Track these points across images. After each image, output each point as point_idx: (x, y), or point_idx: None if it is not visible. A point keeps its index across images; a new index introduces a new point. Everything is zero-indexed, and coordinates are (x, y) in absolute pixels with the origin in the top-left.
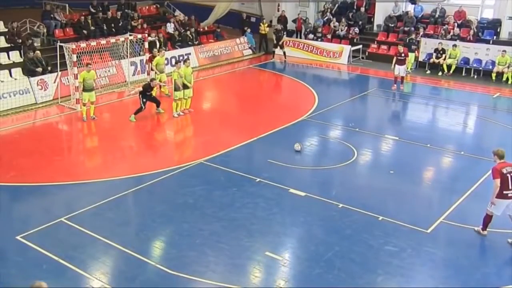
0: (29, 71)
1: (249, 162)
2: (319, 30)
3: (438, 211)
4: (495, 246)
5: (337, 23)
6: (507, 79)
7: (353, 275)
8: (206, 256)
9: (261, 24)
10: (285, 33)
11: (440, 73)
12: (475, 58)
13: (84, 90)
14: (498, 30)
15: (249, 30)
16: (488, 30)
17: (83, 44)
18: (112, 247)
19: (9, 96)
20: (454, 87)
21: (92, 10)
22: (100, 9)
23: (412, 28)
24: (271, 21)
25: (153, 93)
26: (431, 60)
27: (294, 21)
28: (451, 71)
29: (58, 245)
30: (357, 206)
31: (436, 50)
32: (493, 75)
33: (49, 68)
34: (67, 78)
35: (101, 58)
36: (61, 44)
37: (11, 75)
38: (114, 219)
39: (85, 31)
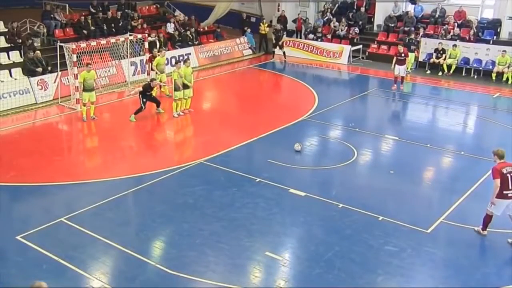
0: (29, 71)
1: (249, 162)
2: (319, 30)
3: (438, 211)
4: (495, 246)
5: (337, 23)
6: (507, 79)
7: (353, 275)
8: (206, 256)
9: (261, 24)
10: (285, 33)
11: (440, 73)
12: (475, 58)
13: (84, 90)
14: (498, 30)
15: (249, 30)
16: (488, 30)
17: (83, 44)
18: (112, 247)
19: (9, 96)
20: (454, 87)
21: (92, 10)
22: (100, 9)
23: (412, 28)
24: (271, 21)
25: (153, 93)
26: (431, 60)
27: (294, 21)
28: (451, 71)
29: (58, 245)
30: (357, 206)
31: (436, 50)
32: (493, 75)
33: (49, 68)
34: (67, 78)
35: (101, 58)
36: (61, 44)
37: (11, 75)
38: (114, 219)
39: (85, 31)
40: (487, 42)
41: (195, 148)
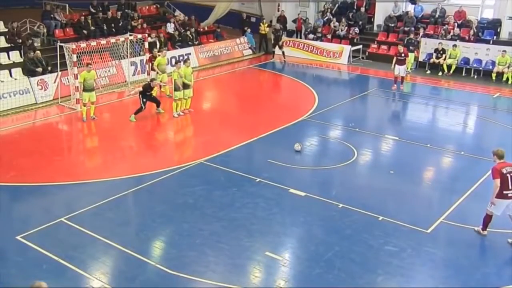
0: (29, 71)
1: (249, 162)
2: (319, 30)
3: (438, 211)
4: (495, 246)
5: (337, 23)
6: (507, 79)
7: (353, 275)
8: (206, 256)
9: (261, 24)
10: (284, 33)
11: (440, 73)
12: (475, 58)
13: (85, 90)
14: (498, 30)
15: (249, 30)
16: (488, 30)
17: (83, 44)
18: (112, 247)
19: (9, 96)
20: (454, 87)
21: (92, 10)
22: (100, 9)
23: (412, 28)
24: (271, 21)
25: (154, 93)
26: (431, 60)
27: (294, 21)
28: (451, 71)
29: (58, 245)
30: (357, 206)
31: (436, 50)
32: (493, 75)
33: (49, 68)
34: (67, 78)
35: (101, 58)
36: (61, 44)
37: (11, 75)
38: (114, 219)
39: (85, 31)
40: (487, 42)
41: (195, 148)
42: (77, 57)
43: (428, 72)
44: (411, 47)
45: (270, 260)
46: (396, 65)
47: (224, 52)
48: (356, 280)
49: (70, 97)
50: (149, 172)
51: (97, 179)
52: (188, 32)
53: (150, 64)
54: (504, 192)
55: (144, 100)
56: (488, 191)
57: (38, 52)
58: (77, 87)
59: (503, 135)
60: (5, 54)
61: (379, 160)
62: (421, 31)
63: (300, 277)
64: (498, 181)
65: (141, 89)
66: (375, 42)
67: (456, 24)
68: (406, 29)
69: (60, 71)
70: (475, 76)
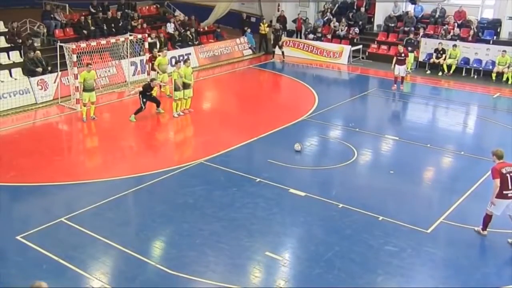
0: (29, 71)
1: (249, 162)
2: (319, 30)
3: (438, 211)
4: (495, 246)
5: (337, 23)
6: (507, 79)
7: (353, 275)
8: (206, 256)
9: (261, 24)
10: (284, 33)
11: (440, 73)
12: (475, 58)
13: (85, 90)
14: (498, 30)
15: (249, 30)
16: (488, 30)
17: (83, 44)
18: (112, 247)
19: (9, 96)
20: (454, 87)
21: (92, 10)
22: (100, 9)
23: (412, 28)
24: (271, 21)
25: (154, 93)
26: (431, 60)
27: (294, 21)
28: (451, 71)
29: (58, 245)
30: (357, 206)
31: (436, 50)
32: (493, 75)
33: (49, 68)
34: (67, 78)
35: (101, 58)
36: (61, 44)
37: (11, 75)
38: (114, 219)
39: (85, 31)
40: (487, 42)
41: (195, 148)
42: (77, 57)
43: (428, 72)
44: (409, 48)
45: (270, 260)
46: (396, 65)
47: (224, 52)
48: (356, 280)
49: (70, 97)
50: (149, 172)
51: (97, 179)
52: (188, 32)
53: (150, 64)
54: (504, 192)
55: (144, 100)
56: (488, 191)
57: (38, 52)
58: (77, 87)
59: (503, 135)
60: (5, 54)
61: (379, 160)
62: (421, 31)
63: (300, 277)
64: (498, 181)
65: (141, 89)
66: (375, 42)
67: (456, 24)
68: (406, 29)
69: (60, 71)
70: (475, 76)
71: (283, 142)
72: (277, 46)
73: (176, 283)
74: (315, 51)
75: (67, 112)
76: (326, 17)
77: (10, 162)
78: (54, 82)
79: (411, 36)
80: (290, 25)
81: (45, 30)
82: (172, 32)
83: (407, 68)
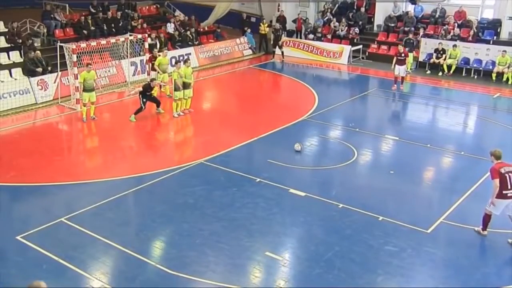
0: (29, 71)
1: (249, 162)
2: (319, 30)
3: (438, 211)
4: (495, 246)
5: (337, 23)
6: (507, 79)
7: (353, 275)
8: (206, 256)
9: (261, 24)
10: (284, 33)
11: (440, 73)
12: (475, 58)
13: (84, 90)
14: (498, 30)
15: (249, 30)
16: (488, 30)
17: (83, 44)
18: (112, 247)
19: (9, 96)
20: (454, 87)
21: (92, 10)
22: (100, 9)
23: (412, 28)
24: (271, 21)
25: (154, 93)
26: (431, 60)
27: (294, 21)
28: (451, 71)
29: (58, 245)
30: (357, 206)
31: (436, 50)
32: (493, 75)
33: (49, 68)
34: (67, 78)
35: (101, 58)
36: (61, 44)
37: (11, 75)
38: (114, 219)
39: (85, 31)
40: (487, 42)
41: (195, 148)
42: (77, 57)
43: (428, 72)
44: (407, 48)
45: (270, 260)
46: (396, 65)
47: (224, 52)
48: (356, 280)
49: (70, 97)
50: (149, 172)
51: (97, 179)
52: (188, 32)
53: (150, 64)
54: (504, 192)
55: (144, 100)
56: (488, 191)
57: (38, 52)
58: (77, 87)
59: (503, 135)
60: (5, 54)
61: (379, 160)
62: (421, 31)
63: (300, 277)
64: (497, 181)
65: (141, 89)
66: (375, 42)
67: (456, 24)
68: (406, 29)
69: (60, 71)
70: (475, 76)
71: (283, 142)
72: (277, 46)
73: (176, 283)
74: (315, 51)
75: (67, 112)
76: (326, 17)
77: (10, 162)
78: (54, 82)
79: (410, 36)
80: (290, 25)
81: (45, 30)
82: (172, 32)
83: (407, 68)
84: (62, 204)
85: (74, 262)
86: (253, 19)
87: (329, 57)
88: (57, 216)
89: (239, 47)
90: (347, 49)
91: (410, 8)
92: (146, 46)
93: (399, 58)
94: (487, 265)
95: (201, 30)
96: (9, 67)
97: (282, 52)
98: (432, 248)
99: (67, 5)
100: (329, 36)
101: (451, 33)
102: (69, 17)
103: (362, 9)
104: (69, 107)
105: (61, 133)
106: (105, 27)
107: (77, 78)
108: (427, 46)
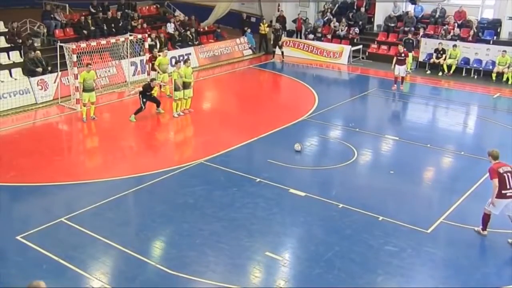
0: (29, 71)
1: (249, 162)
2: (319, 30)
3: (438, 211)
4: (495, 246)
5: (337, 23)
6: (507, 79)
7: (353, 275)
8: (206, 256)
9: (261, 24)
10: (284, 33)
11: (440, 73)
12: (475, 58)
13: (84, 90)
14: (498, 30)
15: (249, 30)
16: (488, 30)
17: (83, 44)
18: (112, 247)
19: (9, 96)
20: (454, 87)
21: (92, 10)
22: (100, 9)
23: (412, 28)
24: (271, 21)
25: (154, 93)
26: (431, 60)
27: (294, 21)
28: (451, 71)
29: (58, 245)
30: (357, 206)
31: (436, 50)
32: (493, 75)
33: (49, 68)
34: (67, 78)
35: (101, 58)
36: (61, 44)
37: (11, 75)
38: (114, 219)
39: (85, 31)
40: (487, 42)
41: (195, 148)
42: (77, 57)
43: (428, 72)
44: (405, 48)
45: (270, 260)
46: (396, 65)
47: (224, 52)
48: (356, 280)
49: (70, 97)
50: (149, 172)
51: (97, 179)
52: (188, 32)
53: (150, 64)
54: (503, 191)
55: (144, 100)
56: (488, 191)
57: (38, 52)
58: (77, 87)
59: (503, 135)
60: (5, 54)
61: (379, 160)
62: (421, 31)
63: (300, 277)
64: (496, 181)
65: (141, 89)
66: (375, 42)
67: (456, 24)
68: (406, 29)
69: (60, 71)
70: (475, 76)
71: (283, 142)
72: (277, 46)
73: (176, 283)
74: (315, 51)
75: (67, 112)
76: (326, 17)
77: (10, 162)
78: (54, 82)
79: (410, 36)
80: (290, 25)
81: (45, 30)
82: (172, 32)
83: (407, 68)
84: (62, 204)
85: (74, 262)
86: (253, 19)
87: (329, 57)
88: (57, 216)
89: (239, 47)
90: (347, 49)
91: (410, 8)
92: (146, 46)
93: (399, 58)
94: (487, 265)
95: (201, 30)
96: (9, 67)
97: (282, 52)
98: (432, 248)
99: (67, 5)
100: (329, 36)
101: (451, 33)
102: (69, 17)
103: (362, 9)
104: (69, 107)
105: (61, 133)
106: (105, 27)
107: (77, 78)
108: (427, 46)
